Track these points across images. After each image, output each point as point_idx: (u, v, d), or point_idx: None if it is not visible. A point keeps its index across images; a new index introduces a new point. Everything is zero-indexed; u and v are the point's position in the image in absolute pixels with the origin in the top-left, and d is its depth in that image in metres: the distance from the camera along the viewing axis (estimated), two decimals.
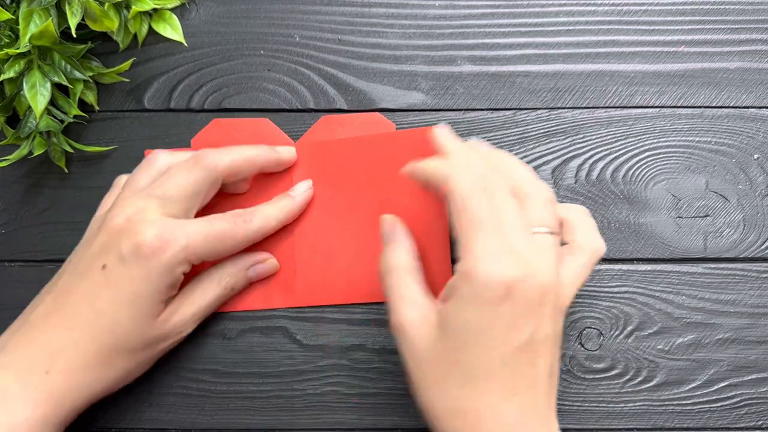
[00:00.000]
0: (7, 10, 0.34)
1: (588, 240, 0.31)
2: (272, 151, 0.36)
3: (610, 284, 0.37)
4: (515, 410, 0.28)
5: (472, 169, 0.29)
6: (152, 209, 0.32)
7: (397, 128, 0.38)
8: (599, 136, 0.38)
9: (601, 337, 0.36)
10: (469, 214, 0.28)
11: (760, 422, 0.36)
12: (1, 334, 0.32)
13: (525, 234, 0.28)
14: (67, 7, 0.34)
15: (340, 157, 0.37)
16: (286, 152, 0.37)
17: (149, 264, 0.31)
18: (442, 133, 0.32)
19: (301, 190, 0.37)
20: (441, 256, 0.35)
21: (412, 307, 0.30)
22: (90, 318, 0.31)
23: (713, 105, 0.38)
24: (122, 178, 0.36)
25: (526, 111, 0.38)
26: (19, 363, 0.31)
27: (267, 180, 0.37)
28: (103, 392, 0.33)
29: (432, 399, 0.30)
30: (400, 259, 0.32)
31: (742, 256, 0.37)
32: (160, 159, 0.35)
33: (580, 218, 0.32)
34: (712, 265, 0.37)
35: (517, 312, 0.28)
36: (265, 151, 0.36)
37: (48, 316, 0.32)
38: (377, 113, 0.38)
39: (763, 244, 0.37)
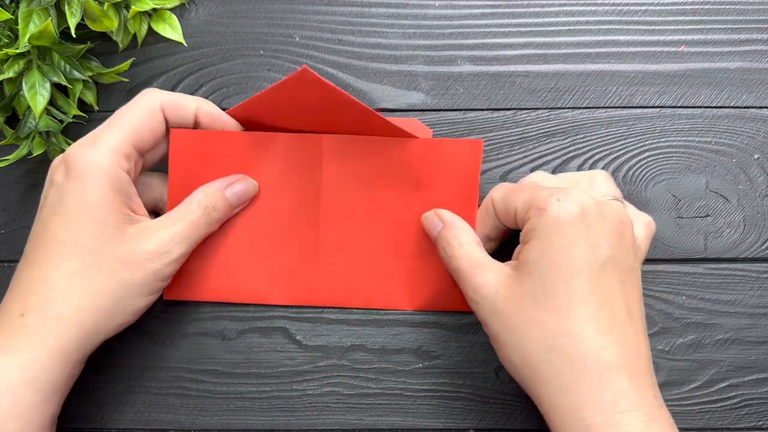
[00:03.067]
0: (6, 10, 0.34)
1: (637, 214, 0.33)
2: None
3: None
4: (614, 347, 0.28)
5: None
6: (90, 137, 0.32)
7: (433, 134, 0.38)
8: (599, 136, 0.38)
9: None
10: (532, 182, 0.33)
11: (761, 422, 0.36)
12: None
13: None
14: (66, 7, 0.34)
15: (373, 156, 0.36)
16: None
17: (82, 174, 0.30)
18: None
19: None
20: None
21: (485, 270, 0.31)
22: (49, 249, 0.30)
23: (713, 105, 0.38)
24: None
25: (526, 111, 0.38)
26: None
27: (293, 168, 0.36)
28: (100, 328, 0.31)
29: (525, 346, 0.29)
30: (465, 234, 0.33)
31: (742, 256, 0.37)
32: None
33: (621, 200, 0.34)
34: (713, 266, 0.37)
35: (596, 230, 0.29)
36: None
37: (19, 270, 0.31)
38: (415, 119, 0.38)
39: (763, 245, 0.37)
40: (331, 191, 0.36)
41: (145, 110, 0.33)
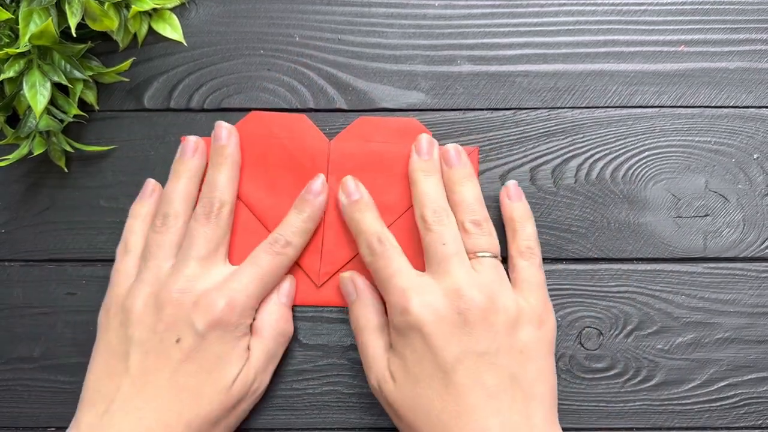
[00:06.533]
0: (7, 10, 0.34)
1: (518, 244, 0.35)
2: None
3: (609, 284, 0.37)
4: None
5: (368, 227, 0.34)
6: (198, 272, 0.33)
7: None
8: (599, 135, 0.38)
9: (601, 337, 0.37)
10: (377, 269, 0.34)
11: (760, 422, 0.36)
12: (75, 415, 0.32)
13: (443, 265, 0.32)
14: (66, 7, 0.34)
15: (375, 163, 0.37)
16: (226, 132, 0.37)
17: (224, 329, 0.32)
18: (416, 159, 0.36)
19: (317, 190, 0.36)
20: None
21: (374, 368, 0.33)
22: (173, 395, 0.31)
23: (713, 105, 0.38)
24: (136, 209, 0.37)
25: (525, 111, 0.38)
26: None
27: (300, 175, 0.37)
28: None
29: None
30: (366, 318, 0.34)
31: (741, 255, 0.37)
32: (149, 186, 0.37)
33: (511, 225, 0.36)
34: (712, 265, 0.37)
35: (438, 335, 0.31)
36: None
37: (131, 399, 0.31)
38: (414, 119, 0.38)
39: (762, 244, 0.37)
40: (336, 192, 0.37)
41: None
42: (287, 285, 0.36)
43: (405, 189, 0.37)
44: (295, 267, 0.37)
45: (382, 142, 0.37)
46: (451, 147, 0.36)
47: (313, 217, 0.36)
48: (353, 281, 0.35)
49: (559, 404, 0.36)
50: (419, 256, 0.36)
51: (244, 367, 0.33)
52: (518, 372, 0.31)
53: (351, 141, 0.37)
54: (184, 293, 0.32)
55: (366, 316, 0.34)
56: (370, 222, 0.35)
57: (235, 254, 0.36)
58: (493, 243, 0.34)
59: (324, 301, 0.37)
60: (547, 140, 0.38)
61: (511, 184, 0.36)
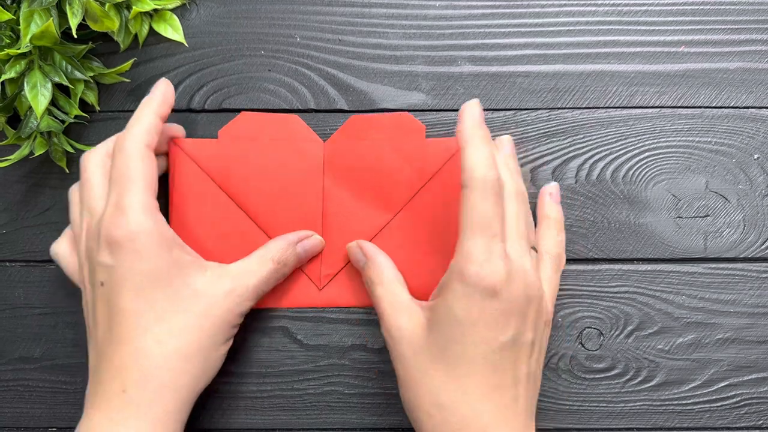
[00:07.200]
0: (8, 11, 0.34)
1: (551, 247, 0.35)
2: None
3: (610, 284, 0.37)
4: (492, 410, 0.30)
5: (491, 172, 0.30)
6: (94, 220, 0.32)
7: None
8: (599, 136, 0.38)
9: (602, 337, 0.37)
10: (476, 215, 0.30)
11: (760, 422, 0.36)
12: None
13: (521, 244, 0.31)
14: (67, 8, 0.34)
15: (370, 161, 0.37)
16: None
17: (131, 246, 0.31)
18: (471, 123, 0.31)
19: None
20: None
21: (401, 312, 0.32)
22: (130, 324, 0.31)
23: (713, 105, 0.38)
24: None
25: (526, 111, 0.38)
26: (98, 399, 0.31)
27: (295, 178, 0.37)
28: (196, 384, 0.32)
29: (416, 395, 0.31)
30: (387, 272, 0.34)
31: (742, 256, 0.37)
32: (72, 192, 0.35)
33: (548, 223, 0.36)
34: (712, 265, 0.37)
35: (503, 312, 0.30)
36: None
37: (100, 352, 0.32)
38: (407, 113, 0.38)
39: (763, 244, 0.37)
40: (333, 193, 0.37)
41: (141, 155, 0.32)
42: (308, 240, 0.36)
43: (401, 185, 0.37)
44: (296, 270, 0.37)
45: (375, 139, 0.37)
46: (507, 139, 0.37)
47: (160, 109, 0.34)
48: (361, 247, 0.35)
49: (559, 404, 0.36)
50: (416, 254, 0.36)
51: (218, 280, 0.33)
52: (536, 369, 0.32)
53: (345, 140, 0.37)
54: (89, 238, 0.32)
55: (382, 272, 0.34)
56: (491, 164, 0.31)
57: (229, 256, 0.36)
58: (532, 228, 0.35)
59: (325, 303, 0.37)
60: (548, 141, 0.38)
61: (554, 185, 0.37)
